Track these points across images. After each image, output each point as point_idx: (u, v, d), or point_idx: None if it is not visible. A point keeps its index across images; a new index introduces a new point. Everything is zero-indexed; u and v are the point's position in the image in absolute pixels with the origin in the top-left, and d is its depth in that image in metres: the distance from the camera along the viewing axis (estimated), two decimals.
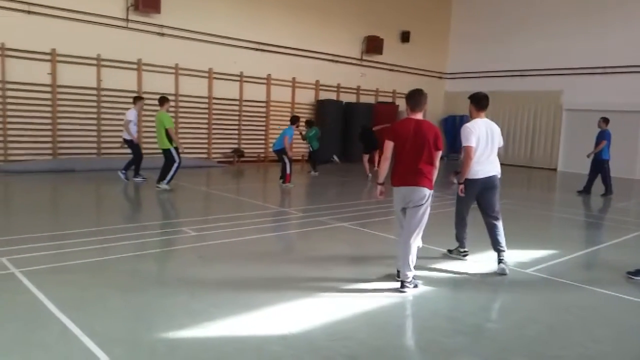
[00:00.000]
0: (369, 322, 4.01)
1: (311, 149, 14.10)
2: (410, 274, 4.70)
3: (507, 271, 5.39)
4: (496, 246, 5.53)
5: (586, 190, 12.13)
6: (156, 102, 10.77)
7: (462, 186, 5.56)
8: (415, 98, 4.75)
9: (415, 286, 4.74)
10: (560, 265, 5.92)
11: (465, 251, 5.92)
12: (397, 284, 4.72)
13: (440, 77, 22.40)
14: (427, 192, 4.66)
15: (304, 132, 13.83)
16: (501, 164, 5.73)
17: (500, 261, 5.46)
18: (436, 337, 3.80)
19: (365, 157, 13.80)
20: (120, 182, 10.83)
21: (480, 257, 5.94)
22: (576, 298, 4.84)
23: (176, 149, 10.03)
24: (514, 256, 6.00)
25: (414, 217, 4.69)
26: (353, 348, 3.53)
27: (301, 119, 13.20)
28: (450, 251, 6.03)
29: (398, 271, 4.84)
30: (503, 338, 3.86)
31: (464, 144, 5.45)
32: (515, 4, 20.13)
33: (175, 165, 9.98)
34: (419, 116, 4.75)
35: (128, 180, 10.85)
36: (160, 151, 10.17)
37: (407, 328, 4.14)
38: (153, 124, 12.09)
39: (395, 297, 4.55)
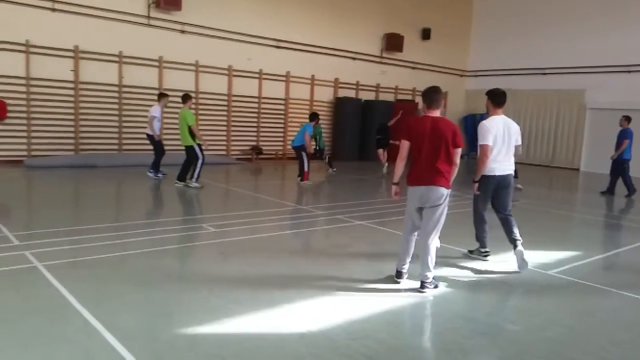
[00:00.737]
0: (388, 322, 3.98)
1: (318, 147, 14.19)
2: (430, 275, 4.64)
3: (525, 256, 5.40)
4: (512, 236, 5.54)
5: (609, 191, 11.90)
6: (177, 99, 10.84)
7: (477, 184, 5.56)
8: (432, 95, 4.67)
9: (436, 286, 4.68)
10: (583, 267, 5.81)
11: (486, 251, 5.84)
12: (417, 284, 4.67)
13: (461, 75, 22.18)
14: (445, 191, 4.58)
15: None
16: (522, 164, 5.69)
17: (516, 247, 5.47)
18: (456, 338, 3.75)
19: (380, 151, 14.17)
20: (140, 178, 10.94)
21: (502, 258, 5.86)
22: (598, 301, 4.75)
23: (199, 145, 10.08)
24: (536, 257, 5.91)
25: (431, 218, 4.62)
26: (372, 347, 3.50)
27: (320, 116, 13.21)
28: (471, 252, 5.95)
29: (398, 271, 4.81)
30: (523, 340, 3.79)
31: (480, 142, 5.45)
32: (537, 1, 19.82)
33: (200, 162, 10.04)
34: (436, 114, 4.66)
35: (159, 177, 10.85)
36: (183, 148, 10.24)
37: (426, 328, 4.10)
38: (175, 121, 12.22)
39: (414, 297, 4.51)
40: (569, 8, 18.91)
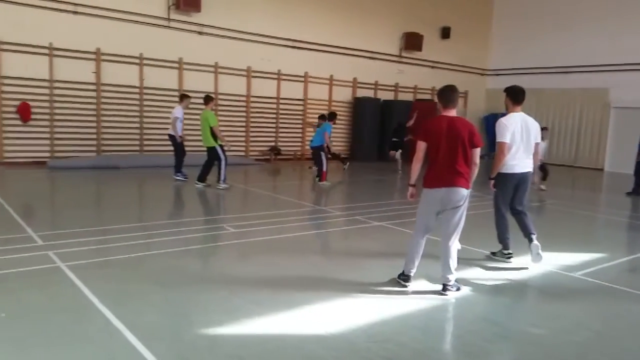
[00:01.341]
0: (409, 325, 3.93)
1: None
2: (452, 277, 4.57)
3: (540, 250, 5.46)
4: (527, 231, 5.60)
5: (635, 192, 11.63)
6: (197, 100, 10.89)
7: (492, 181, 5.60)
8: (448, 94, 4.58)
9: (458, 289, 4.61)
10: (609, 269, 5.68)
11: (509, 253, 5.74)
12: (439, 287, 4.60)
13: (481, 74, 21.93)
14: (465, 192, 4.50)
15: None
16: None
17: (532, 241, 5.53)
18: (479, 342, 3.69)
19: (392, 152, 14.33)
20: (161, 179, 11.05)
21: (525, 260, 5.75)
22: (626, 304, 4.63)
23: (221, 146, 10.13)
24: (560, 259, 5.81)
25: (452, 219, 4.54)
26: (393, 350, 3.46)
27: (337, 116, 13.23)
28: (493, 254, 5.86)
29: (406, 275, 4.68)
30: (548, 344, 3.71)
31: (498, 139, 5.47)
32: (560, 0, 19.50)
33: (223, 163, 10.07)
34: (452, 113, 4.56)
35: (187, 178, 10.79)
36: (204, 149, 10.29)
37: (448, 331, 4.04)
38: (194, 122, 12.31)
39: (436, 300, 4.45)
40: (592, 5, 18.56)
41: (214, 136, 10.01)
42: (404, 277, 4.73)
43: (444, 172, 4.46)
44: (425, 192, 4.61)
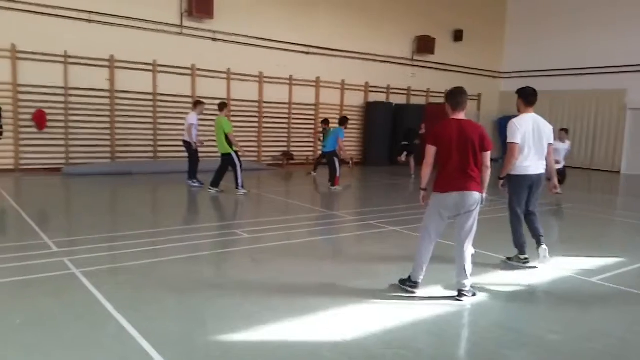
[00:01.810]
0: (425, 331, 3.88)
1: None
2: (468, 282, 4.51)
3: (548, 253, 5.55)
4: (537, 233, 5.65)
5: None
6: (210, 106, 10.92)
7: (502, 181, 5.65)
8: (457, 97, 4.53)
9: (474, 295, 4.54)
10: (629, 274, 5.56)
11: (525, 258, 5.65)
12: (454, 292, 4.53)
13: (495, 77, 21.78)
14: (478, 196, 4.45)
15: (320, 134, 14.16)
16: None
17: (540, 243, 5.60)
18: (496, 349, 3.62)
19: (401, 159, 14.49)
20: (175, 185, 11.10)
21: (542, 265, 5.66)
22: None
23: (236, 152, 10.15)
24: (577, 263, 5.71)
25: (466, 224, 4.47)
26: (409, 357, 3.41)
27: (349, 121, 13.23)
28: (509, 258, 5.78)
29: (414, 281, 4.60)
30: (568, 351, 3.63)
31: (509, 140, 5.51)
32: (573, 2, 19.30)
33: (239, 169, 10.09)
34: (461, 116, 4.51)
35: (202, 184, 10.78)
36: (218, 155, 10.32)
37: (465, 338, 3.97)
38: (207, 128, 12.37)
39: (452, 306, 4.38)
40: (605, 7, 18.35)
41: (229, 142, 10.04)
42: (411, 284, 4.63)
43: (456, 176, 4.40)
44: (436, 196, 4.52)
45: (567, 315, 4.37)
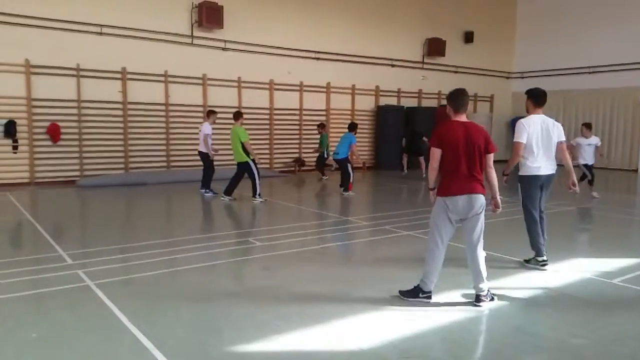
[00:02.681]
0: (443, 338, 3.80)
1: (323, 154, 14.49)
2: (485, 286, 4.42)
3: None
4: (542, 235, 5.64)
5: None
6: (222, 115, 10.92)
7: (506, 177, 5.70)
8: (460, 98, 4.46)
9: (492, 299, 4.45)
10: None
11: (543, 260, 5.54)
12: (472, 297, 4.45)
13: (507, 77, 21.60)
14: (483, 198, 4.40)
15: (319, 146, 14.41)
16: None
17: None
18: (517, 354, 3.54)
19: (405, 156, 14.93)
20: (188, 194, 11.12)
21: (561, 267, 5.56)
22: None
23: (254, 160, 10.16)
24: (597, 265, 5.59)
25: (476, 227, 4.40)
26: None
27: (359, 126, 13.33)
28: (527, 261, 5.67)
29: (426, 291, 4.47)
30: (591, 355, 3.54)
31: (515, 139, 5.57)
32: (584, 1, 19.11)
33: (256, 177, 10.10)
34: (463, 118, 4.45)
35: (216, 194, 10.72)
36: (233, 164, 10.33)
37: (484, 344, 3.88)
38: (220, 137, 12.39)
39: (470, 312, 4.30)
40: (616, 5, 18.13)
41: (246, 151, 10.05)
42: (426, 294, 4.49)
43: (464, 179, 4.33)
44: (442, 200, 4.40)
45: (589, 318, 4.26)
